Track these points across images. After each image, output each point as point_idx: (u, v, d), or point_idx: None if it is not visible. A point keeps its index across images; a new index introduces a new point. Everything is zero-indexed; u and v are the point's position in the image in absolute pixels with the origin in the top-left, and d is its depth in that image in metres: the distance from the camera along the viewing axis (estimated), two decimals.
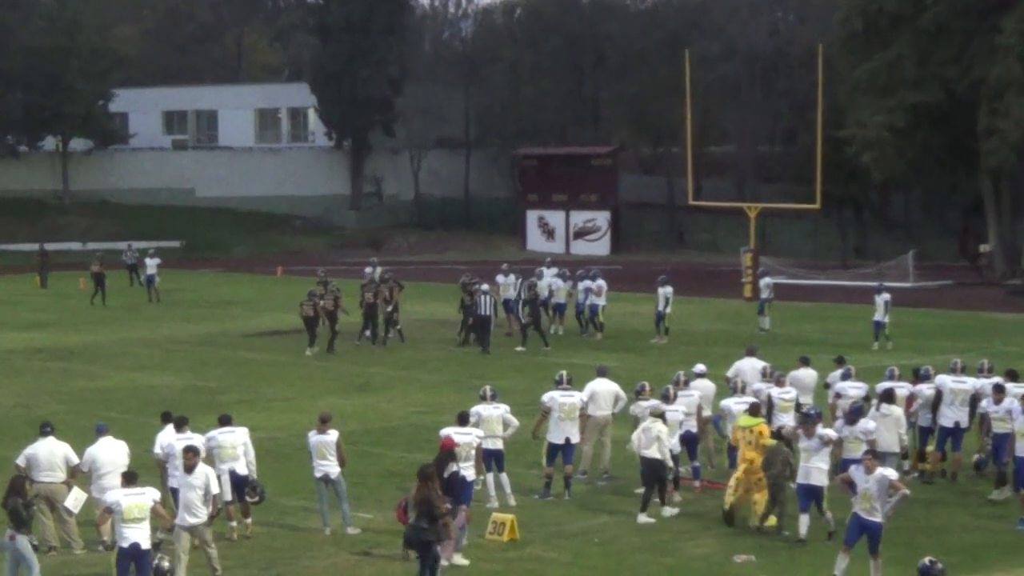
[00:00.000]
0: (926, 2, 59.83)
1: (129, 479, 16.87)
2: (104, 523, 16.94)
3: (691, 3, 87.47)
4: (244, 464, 19.66)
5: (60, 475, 18.99)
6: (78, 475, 19.10)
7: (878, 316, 39.45)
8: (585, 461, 22.99)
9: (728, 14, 79.97)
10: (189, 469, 17.48)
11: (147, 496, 16.55)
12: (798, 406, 22.80)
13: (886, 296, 39.64)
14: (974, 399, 23.15)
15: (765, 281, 44.58)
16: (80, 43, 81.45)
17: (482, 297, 38.28)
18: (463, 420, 19.93)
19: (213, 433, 19.63)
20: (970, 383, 23.40)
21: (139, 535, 16.24)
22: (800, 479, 19.35)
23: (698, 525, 20.36)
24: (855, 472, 17.59)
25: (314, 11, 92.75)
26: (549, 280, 42.35)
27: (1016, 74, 57.00)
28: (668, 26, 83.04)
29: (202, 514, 17.40)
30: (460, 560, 18.21)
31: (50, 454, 19.04)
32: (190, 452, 17.69)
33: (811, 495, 19.17)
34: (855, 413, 20.97)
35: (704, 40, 74.55)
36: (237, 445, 19.66)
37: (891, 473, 17.69)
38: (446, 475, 18.43)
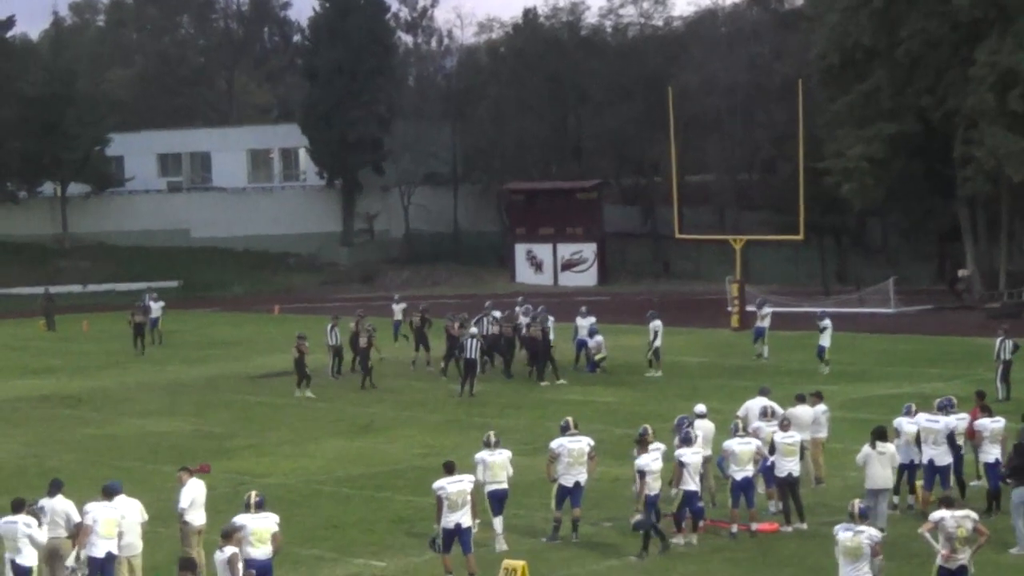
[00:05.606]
0: (900, 36, 60.97)
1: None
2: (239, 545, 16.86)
3: (670, 39, 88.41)
4: (271, 550, 17.46)
5: (63, 531, 18.32)
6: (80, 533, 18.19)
7: (823, 341, 40.65)
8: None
9: (707, 49, 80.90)
10: None
11: (271, 520, 17.31)
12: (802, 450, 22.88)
13: (825, 322, 40.94)
14: (951, 436, 22.79)
15: (767, 310, 45.22)
16: (76, 91, 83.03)
17: (469, 340, 37.83)
18: (450, 469, 19.61)
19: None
20: (943, 422, 22.98)
21: (263, 554, 17.03)
22: None
23: (701, 567, 20.23)
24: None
25: (302, 53, 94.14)
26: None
27: (989, 104, 58.05)
28: (648, 62, 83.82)
29: None
30: None
31: (53, 510, 18.40)
32: None
33: None
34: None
35: (684, 75, 75.27)
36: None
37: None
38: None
